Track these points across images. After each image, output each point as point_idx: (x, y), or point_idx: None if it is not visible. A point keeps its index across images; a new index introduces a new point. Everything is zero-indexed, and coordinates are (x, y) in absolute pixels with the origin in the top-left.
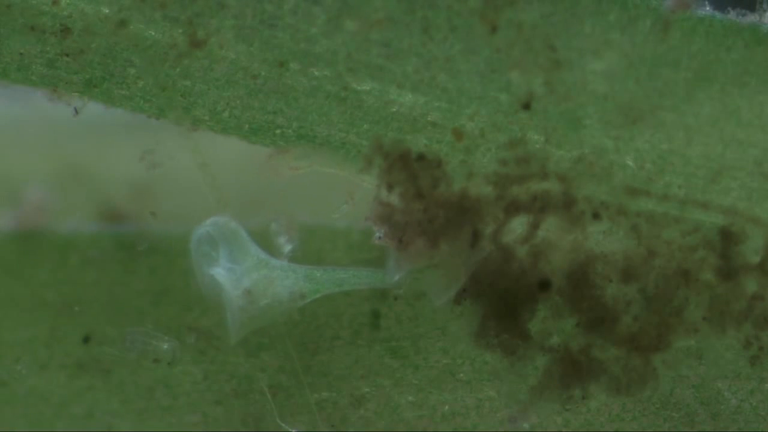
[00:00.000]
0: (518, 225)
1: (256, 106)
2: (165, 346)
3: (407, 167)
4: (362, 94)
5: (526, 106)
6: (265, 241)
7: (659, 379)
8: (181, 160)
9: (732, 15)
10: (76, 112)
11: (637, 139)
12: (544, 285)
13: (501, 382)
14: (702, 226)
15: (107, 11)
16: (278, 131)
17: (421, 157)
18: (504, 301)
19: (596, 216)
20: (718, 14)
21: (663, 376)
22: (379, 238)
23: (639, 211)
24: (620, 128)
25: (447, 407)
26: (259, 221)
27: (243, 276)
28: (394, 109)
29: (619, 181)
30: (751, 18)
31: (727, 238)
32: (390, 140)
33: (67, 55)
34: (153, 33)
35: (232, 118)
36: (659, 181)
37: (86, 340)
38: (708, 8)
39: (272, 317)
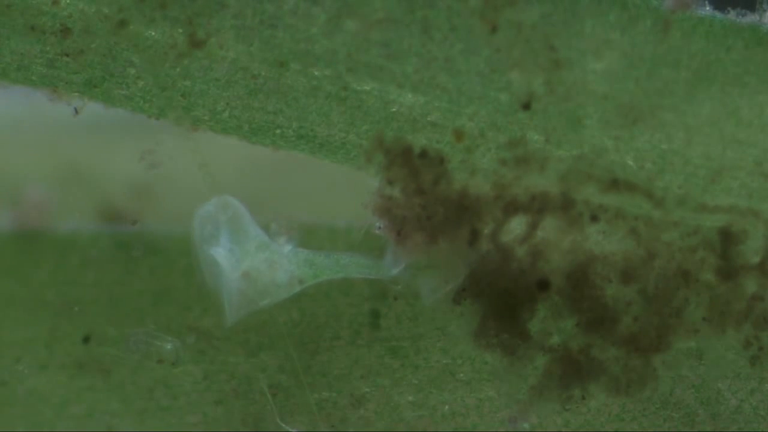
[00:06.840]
0: (517, 225)
1: (256, 106)
2: (168, 347)
3: (409, 163)
4: (362, 94)
5: (526, 106)
6: None
7: (659, 379)
8: (181, 160)
9: (732, 15)
10: (76, 112)
11: (637, 139)
12: (544, 285)
13: (501, 382)
14: (702, 226)
15: (107, 11)
16: (278, 131)
17: (423, 154)
18: (504, 301)
19: (594, 218)
20: (718, 14)
21: (663, 376)
22: (379, 228)
23: (638, 212)
24: (620, 128)
25: (447, 407)
26: (259, 221)
27: (243, 257)
28: (394, 109)
29: (619, 181)
30: (751, 18)
31: (727, 238)
32: (392, 136)
33: (67, 55)
34: (153, 33)
35: (232, 118)
36: (659, 181)
37: (86, 340)
38: (708, 8)
39: (270, 300)
